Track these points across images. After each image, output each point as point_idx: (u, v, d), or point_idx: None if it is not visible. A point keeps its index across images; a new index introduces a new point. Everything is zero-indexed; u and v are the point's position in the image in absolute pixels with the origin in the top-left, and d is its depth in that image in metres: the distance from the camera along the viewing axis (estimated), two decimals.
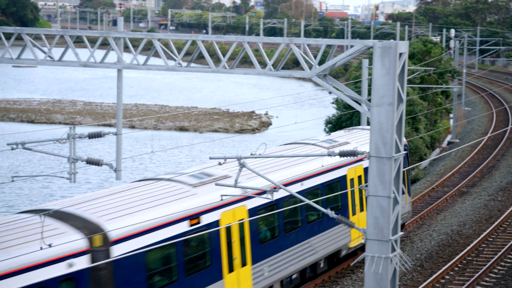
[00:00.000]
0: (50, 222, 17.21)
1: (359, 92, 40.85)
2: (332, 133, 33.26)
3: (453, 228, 36.33)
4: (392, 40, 15.84)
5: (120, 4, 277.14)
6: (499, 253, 31.73)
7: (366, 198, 16.24)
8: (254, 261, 22.81)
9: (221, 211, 21.46)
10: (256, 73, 17.38)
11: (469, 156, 54.47)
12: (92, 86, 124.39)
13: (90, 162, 19.87)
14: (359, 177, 29.38)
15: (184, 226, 19.69)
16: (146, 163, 62.60)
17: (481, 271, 29.55)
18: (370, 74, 36.65)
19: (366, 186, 16.04)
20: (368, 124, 36.96)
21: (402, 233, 16.55)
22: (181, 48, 18.19)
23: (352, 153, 16.88)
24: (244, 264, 22.44)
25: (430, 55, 70.01)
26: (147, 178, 22.69)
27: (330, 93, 19.32)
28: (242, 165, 18.47)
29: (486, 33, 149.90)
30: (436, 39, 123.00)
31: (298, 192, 23.74)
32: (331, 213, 17.38)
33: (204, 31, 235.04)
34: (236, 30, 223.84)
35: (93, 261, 16.92)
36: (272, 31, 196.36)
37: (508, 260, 31.55)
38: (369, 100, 16.09)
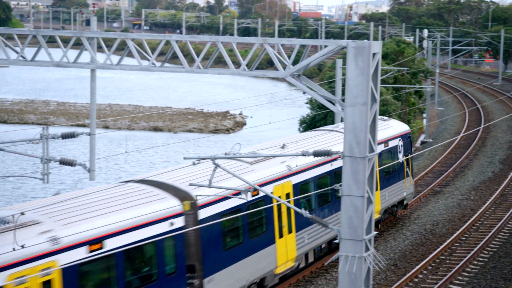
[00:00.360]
0: (151, 189, 21.47)
1: (333, 92, 40.96)
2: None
3: (426, 227, 36.53)
4: (365, 40, 15.90)
5: (94, 4, 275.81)
6: (472, 252, 31.96)
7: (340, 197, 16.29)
8: (297, 230, 27.00)
9: (273, 185, 25.41)
10: (230, 73, 17.38)
11: (442, 156, 54.81)
12: (65, 86, 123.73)
13: (63, 162, 19.77)
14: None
15: (248, 196, 22.52)
16: (121, 164, 62.37)
17: (454, 270, 29.75)
18: (344, 74, 36.73)
19: (340, 185, 16.09)
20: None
21: (375, 232, 16.62)
22: (155, 48, 18.14)
23: (326, 153, 16.93)
24: (290, 231, 26.55)
25: (403, 55, 70.37)
26: (217, 157, 24.59)
27: (304, 93, 19.58)
28: (216, 165, 18.48)
29: (458, 33, 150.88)
30: (409, 39, 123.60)
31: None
32: (305, 213, 17.44)
33: (178, 31, 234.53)
34: (210, 30, 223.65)
35: (185, 222, 21.21)
36: (246, 31, 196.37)
37: (481, 259, 31.78)
38: (343, 100, 16.14)
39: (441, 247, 32.74)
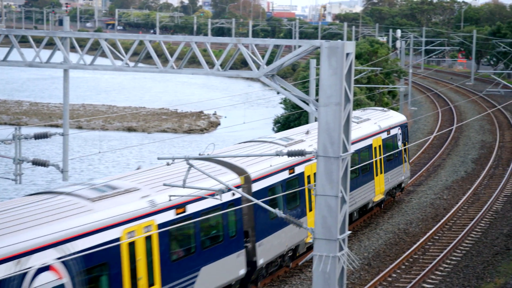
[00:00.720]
0: (214, 165, 25.02)
1: (307, 92, 41.05)
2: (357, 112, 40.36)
3: (400, 227, 36.71)
4: (339, 41, 15.95)
5: (67, 3, 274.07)
6: (445, 251, 32.16)
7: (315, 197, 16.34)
8: None
9: (305, 165, 29.48)
10: (204, 73, 17.36)
11: (415, 155, 55.11)
12: (38, 86, 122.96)
13: (36, 163, 19.67)
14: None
15: (286, 174, 27.92)
16: (95, 164, 62.09)
17: (427, 269, 29.92)
18: (317, 74, 36.90)
19: (314, 185, 16.12)
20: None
21: (349, 232, 16.67)
22: (129, 48, 18.09)
23: (300, 153, 16.96)
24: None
25: (376, 55, 70.72)
26: (253, 140, 30.34)
27: (278, 93, 19.94)
28: (190, 165, 18.45)
29: (431, 33, 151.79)
30: (383, 39, 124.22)
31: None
32: (279, 213, 17.46)
33: (152, 31, 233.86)
34: (184, 30, 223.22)
35: (248, 190, 25.57)
36: (220, 31, 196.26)
37: (454, 258, 31.99)
38: (317, 100, 16.18)
39: (415, 246, 32.92)
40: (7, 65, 18.81)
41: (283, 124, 58.08)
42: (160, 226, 20.81)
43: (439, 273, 30.10)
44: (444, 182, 46.89)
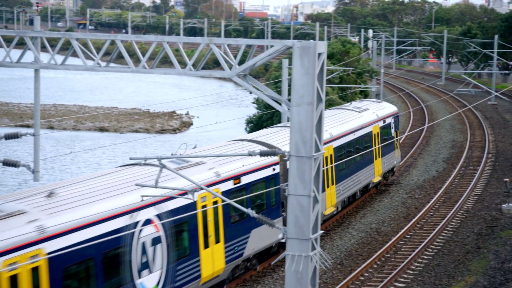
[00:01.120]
0: (256, 145, 29.56)
1: (279, 92, 41.10)
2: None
3: (372, 226, 36.86)
4: (311, 41, 15.98)
5: (37, 3, 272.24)
6: (417, 250, 32.33)
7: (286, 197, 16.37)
8: (337, 182, 36.00)
9: (324, 146, 32.88)
10: (176, 73, 17.33)
11: None
12: (9, 86, 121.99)
13: (6, 163, 19.52)
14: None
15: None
16: (67, 164, 61.72)
17: (399, 268, 30.06)
18: (290, 74, 37.05)
19: (287, 185, 16.14)
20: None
21: (322, 231, 16.71)
22: (100, 48, 18.00)
23: (272, 153, 16.97)
24: (332, 183, 35.27)
25: (348, 55, 70.96)
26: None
27: (250, 93, 20.30)
28: (162, 166, 18.39)
29: (402, 33, 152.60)
30: (355, 39, 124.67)
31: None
32: (251, 213, 17.46)
33: (123, 30, 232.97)
34: (156, 30, 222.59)
35: (279, 169, 29.26)
36: (193, 31, 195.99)
37: (425, 257, 32.18)
38: (289, 100, 16.20)
39: (387, 245, 33.07)
40: None
41: (255, 124, 58.12)
42: (223, 193, 25.25)
43: (411, 272, 30.26)
44: (416, 182, 47.16)
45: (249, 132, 53.34)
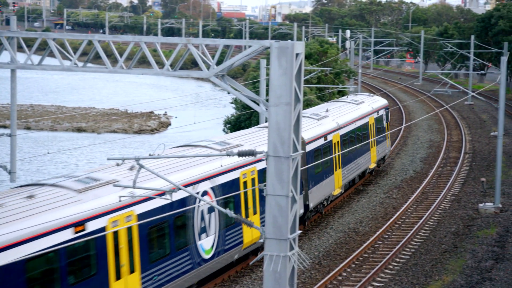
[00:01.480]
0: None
1: (257, 92, 41.12)
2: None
3: (350, 226, 36.97)
4: (289, 41, 16.00)
5: (14, 3, 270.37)
6: (394, 250, 32.47)
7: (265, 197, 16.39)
8: (343, 166, 40.22)
9: (333, 134, 38.84)
10: (154, 73, 17.29)
11: None
12: None
13: None
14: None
15: (322, 141, 37.07)
16: (45, 165, 61.38)
17: (377, 267, 30.17)
18: (268, 75, 37.20)
19: (265, 185, 16.14)
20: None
21: (300, 231, 16.73)
22: (78, 48, 17.93)
23: (250, 153, 16.97)
24: (339, 167, 39.45)
25: (326, 56, 71.09)
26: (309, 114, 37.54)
27: (228, 93, 20.38)
28: (140, 166, 18.34)
29: (380, 34, 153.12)
30: (332, 39, 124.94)
31: None
32: (230, 213, 17.45)
33: (101, 31, 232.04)
34: (134, 30, 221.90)
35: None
36: (170, 31, 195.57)
37: (403, 257, 32.32)
38: (267, 100, 16.21)
39: (364, 245, 33.18)
40: None
41: (233, 124, 58.08)
42: (259, 172, 28.87)
43: (389, 271, 30.39)
44: (394, 181, 47.35)
45: (228, 132, 53.19)
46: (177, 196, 23.50)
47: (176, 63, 17.66)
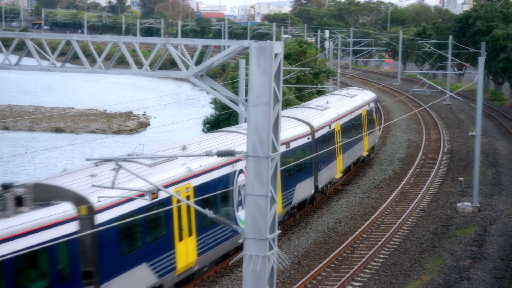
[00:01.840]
0: (296, 121, 38.41)
1: (236, 93, 41.11)
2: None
3: (329, 226, 37.04)
4: (268, 41, 16.01)
5: None
6: (373, 249, 32.57)
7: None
8: (342, 153, 44.13)
9: (335, 123, 42.94)
10: (133, 73, 17.25)
11: None
12: None
13: None
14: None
15: (326, 129, 41.49)
16: (24, 165, 61.05)
17: (356, 267, 30.25)
18: (247, 75, 37.21)
19: (244, 185, 16.14)
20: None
21: (279, 231, 16.75)
22: (56, 48, 17.85)
23: (230, 153, 16.98)
24: (340, 154, 43.50)
25: (305, 56, 71.19)
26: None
27: (208, 93, 20.49)
28: (119, 166, 18.31)
29: (359, 34, 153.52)
30: (311, 39, 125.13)
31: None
32: (209, 213, 17.45)
33: (79, 31, 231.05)
34: (113, 30, 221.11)
35: (311, 138, 38.50)
36: (149, 32, 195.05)
37: (382, 256, 32.42)
38: (246, 100, 16.21)
39: (344, 244, 33.26)
40: None
41: (213, 124, 58.05)
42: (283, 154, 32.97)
43: (368, 271, 30.47)
44: (373, 181, 47.49)
45: (207, 131, 53.08)
46: (222, 172, 28.20)
47: (155, 63, 17.63)
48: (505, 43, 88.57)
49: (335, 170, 42.69)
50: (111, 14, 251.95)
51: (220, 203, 28.33)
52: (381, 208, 39.98)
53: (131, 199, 22.61)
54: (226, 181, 28.57)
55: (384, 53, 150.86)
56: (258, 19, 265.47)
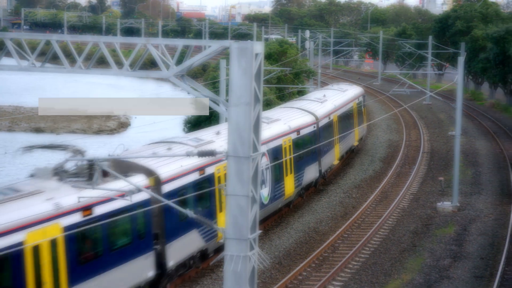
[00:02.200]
0: (300, 111, 42.10)
1: (217, 93, 41.08)
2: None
3: (310, 225, 37.10)
4: (248, 41, 16.00)
5: None
6: (354, 249, 32.66)
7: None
8: (339, 142, 47.63)
9: (333, 114, 47.07)
10: (113, 74, 17.20)
11: None
12: None
13: None
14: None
15: (327, 119, 45.14)
16: (4, 166, 60.71)
17: (336, 266, 30.33)
18: (227, 75, 37.27)
19: (225, 185, 16.13)
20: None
21: (260, 231, 16.76)
22: (36, 48, 17.77)
23: (211, 153, 16.96)
24: (337, 142, 47.18)
25: (286, 56, 71.25)
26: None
27: (188, 93, 20.54)
28: (100, 167, 18.27)
29: (339, 34, 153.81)
30: (292, 39, 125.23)
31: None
32: (190, 213, 17.43)
33: (59, 30, 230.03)
34: (93, 30, 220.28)
35: (316, 127, 42.21)
36: (130, 31, 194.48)
37: (363, 256, 32.52)
38: (227, 100, 16.21)
39: (324, 244, 33.33)
40: None
41: (194, 124, 57.96)
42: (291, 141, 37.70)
43: (349, 270, 30.56)
44: (353, 181, 47.62)
45: (188, 132, 53.01)
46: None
47: (135, 63, 17.60)
48: (484, 43, 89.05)
49: (334, 157, 47.05)
50: (91, 14, 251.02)
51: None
52: (362, 207, 40.10)
53: (187, 173, 27.04)
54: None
55: (364, 53, 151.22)
56: (238, 19, 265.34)
